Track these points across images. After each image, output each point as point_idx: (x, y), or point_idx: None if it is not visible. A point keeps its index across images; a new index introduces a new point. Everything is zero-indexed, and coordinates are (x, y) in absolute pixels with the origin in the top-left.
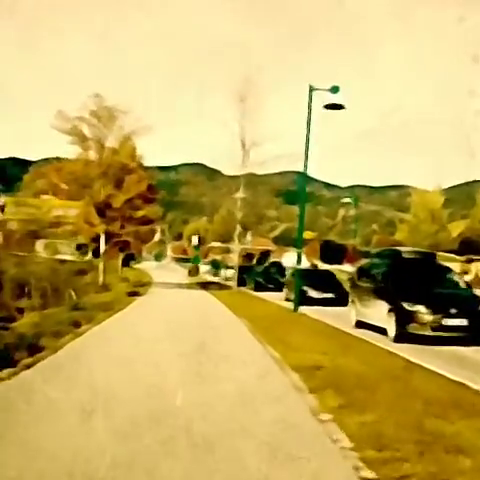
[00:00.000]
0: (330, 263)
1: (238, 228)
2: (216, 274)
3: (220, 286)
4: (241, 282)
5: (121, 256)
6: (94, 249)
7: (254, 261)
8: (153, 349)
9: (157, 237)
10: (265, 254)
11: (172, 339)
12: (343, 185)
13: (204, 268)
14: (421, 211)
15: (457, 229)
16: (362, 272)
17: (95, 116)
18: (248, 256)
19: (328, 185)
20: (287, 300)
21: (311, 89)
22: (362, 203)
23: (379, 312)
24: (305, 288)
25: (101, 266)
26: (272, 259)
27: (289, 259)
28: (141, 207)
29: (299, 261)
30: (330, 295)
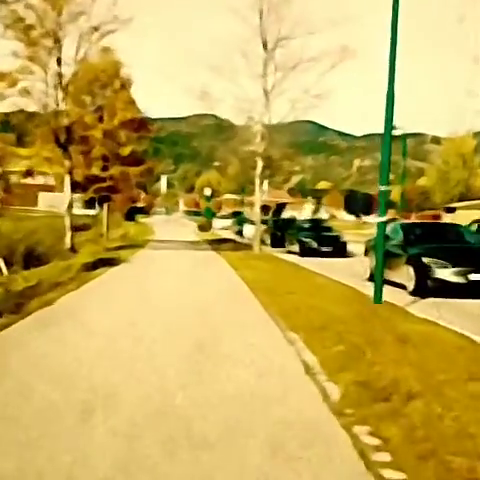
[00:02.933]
0: (356, 214)
1: (258, 178)
2: (239, 231)
3: (235, 245)
4: (274, 241)
5: (123, 209)
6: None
7: (270, 214)
8: None
9: (164, 188)
10: (281, 206)
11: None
12: (358, 134)
13: (220, 223)
14: (451, 157)
15: None
16: None
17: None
18: (264, 208)
19: (342, 134)
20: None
21: None
22: (378, 153)
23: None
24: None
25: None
26: (288, 211)
27: (308, 211)
28: (128, 143)
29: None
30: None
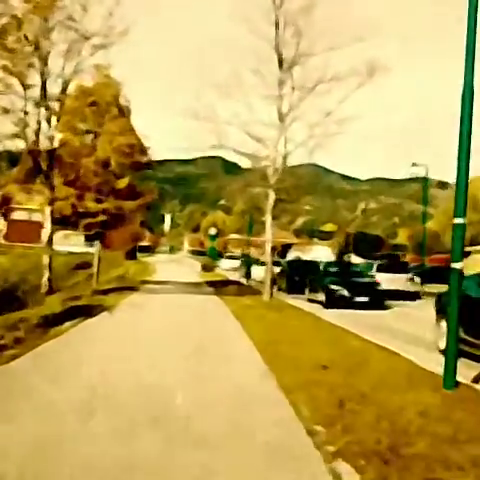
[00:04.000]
0: (365, 257)
1: (269, 213)
2: (247, 273)
3: (242, 288)
4: (292, 286)
5: (125, 247)
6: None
7: (275, 255)
8: None
9: (167, 226)
10: (286, 247)
11: None
12: (362, 178)
13: (227, 263)
14: None
15: None
16: None
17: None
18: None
19: (347, 178)
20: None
21: None
22: (382, 196)
23: None
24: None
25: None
26: (294, 252)
27: (318, 253)
28: (124, 174)
29: None
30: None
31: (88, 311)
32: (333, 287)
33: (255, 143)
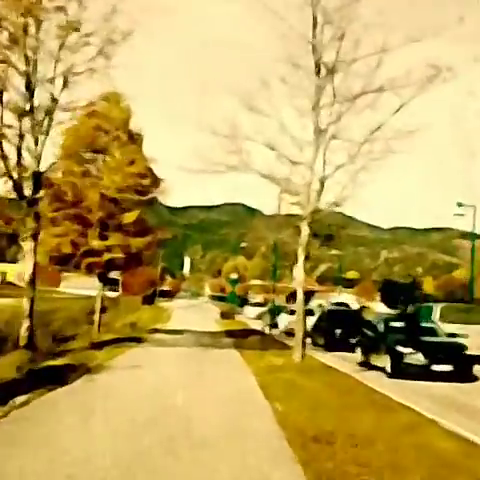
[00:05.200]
0: (394, 307)
1: (302, 250)
2: (274, 324)
3: (266, 341)
4: (333, 341)
5: (140, 292)
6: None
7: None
8: None
9: (187, 269)
10: (310, 294)
11: None
12: (385, 226)
13: (252, 311)
14: None
15: None
16: None
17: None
18: (292, 295)
19: (369, 225)
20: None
21: None
22: (405, 245)
23: None
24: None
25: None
26: (317, 300)
27: (339, 299)
28: (132, 207)
29: None
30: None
31: (61, 375)
32: (401, 350)
33: (285, 165)
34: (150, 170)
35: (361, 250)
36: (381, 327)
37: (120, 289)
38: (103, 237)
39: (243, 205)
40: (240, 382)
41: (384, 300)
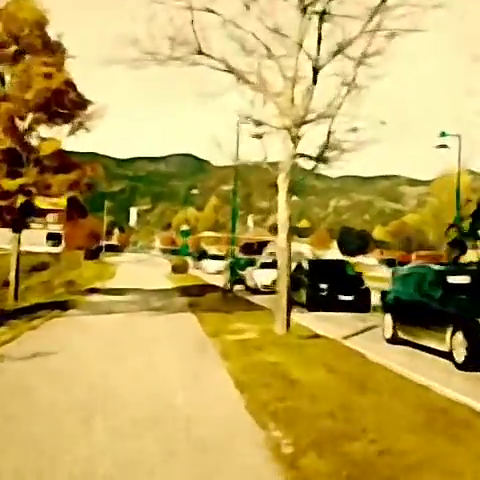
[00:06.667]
0: (352, 255)
1: (283, 195)
2: (237, 281)
3: (225, 298)
4: (316, 299)
5: (82, 246)
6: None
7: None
8: None
9: (133, 221)
10: (263, 245)
11: None
12: (333, 176)
13: (213, 265)
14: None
15: None
16: None
17: None
18: (247, 246)
19: (318, 175)
20: None
21: None
22: (353, 193)
23: None
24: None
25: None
26: (270, 250)
27: (296, 250)
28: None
29: None
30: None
31: None
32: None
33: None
34: (73, 87)
35: (310, 199)
36: (438, 287)
37: (63, 244)
38: (14, 174)
39: (192, 156)
40: (201, 379)
41: (341, 248)
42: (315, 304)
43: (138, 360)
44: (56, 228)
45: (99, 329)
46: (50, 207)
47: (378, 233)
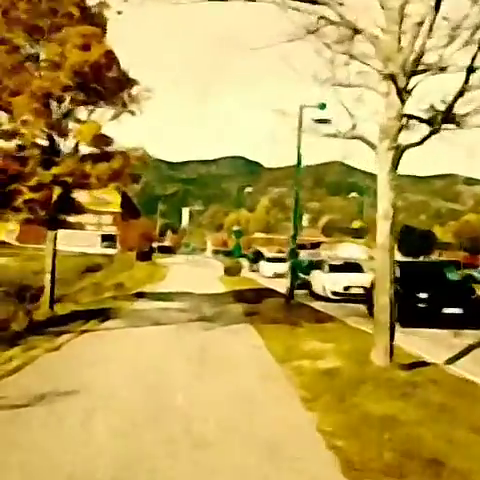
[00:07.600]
0: (414, 256)
1: (386, 172)
2: (303, 284)
3: (289, 307)
4: (408, 313)
5: (135, 247)
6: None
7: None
8: None
9: (185, 222)
10: (315, 246)
11: None
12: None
13: (271, 268)
14: None
15: None
16: None
17: None
18: (300, 248)
19: (371, 175)
20: None
21: None
22: (408, 193)
23: None
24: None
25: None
26: (323, 252)
27: (349, 251)
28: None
29: None
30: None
31: None
32: None
33: None
34: (115, 61)
35: (364, 199)
36: None
37: (118, 246)
38: (49, 163)
39: (242, 158)
40: (279, 454)
41: (402, 250)
42: (411, 319)
43: (180, 408)
44: (111, 229)
45: (138, 350)
46: (104, 209)
47: (438, 233)
